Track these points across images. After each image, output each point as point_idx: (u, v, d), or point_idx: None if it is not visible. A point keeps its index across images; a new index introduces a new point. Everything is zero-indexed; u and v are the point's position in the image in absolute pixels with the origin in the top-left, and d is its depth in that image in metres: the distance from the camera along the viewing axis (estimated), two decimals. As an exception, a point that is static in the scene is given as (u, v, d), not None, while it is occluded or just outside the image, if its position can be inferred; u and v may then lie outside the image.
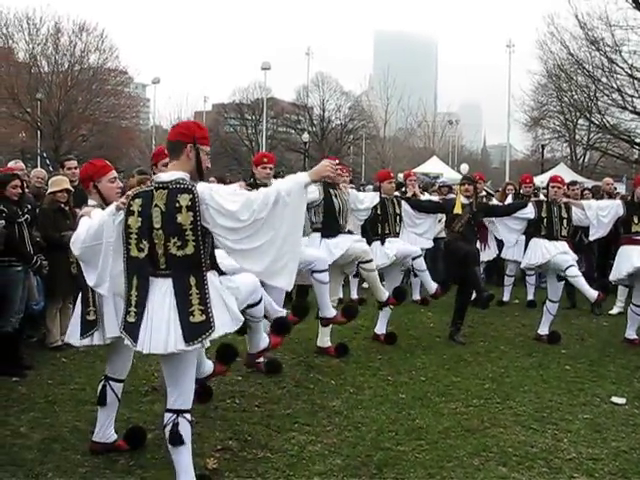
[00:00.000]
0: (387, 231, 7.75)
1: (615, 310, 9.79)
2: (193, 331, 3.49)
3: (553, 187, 8.02)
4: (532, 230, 8.10)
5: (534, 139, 39.61)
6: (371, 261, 7.17)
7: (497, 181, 27.59)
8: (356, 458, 4.49)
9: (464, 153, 62.54)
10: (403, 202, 8.00)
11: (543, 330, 8.05)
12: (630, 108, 26.84)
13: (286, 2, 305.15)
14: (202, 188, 3.52)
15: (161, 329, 3.51)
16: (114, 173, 4.49)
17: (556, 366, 6.93)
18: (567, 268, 7.72)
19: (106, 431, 4.45)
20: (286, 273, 3.62)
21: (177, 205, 3.46)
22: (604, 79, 27.09)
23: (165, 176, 3.62)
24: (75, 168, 7.82)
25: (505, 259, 10.43)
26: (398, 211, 7.88)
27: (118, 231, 3.70)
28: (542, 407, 5.64)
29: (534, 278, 10.52)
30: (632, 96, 26.60)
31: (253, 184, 6.41)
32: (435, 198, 9.57)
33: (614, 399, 5.88)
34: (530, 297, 10.49)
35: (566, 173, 26.01)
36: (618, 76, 26.59)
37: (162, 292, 3.55)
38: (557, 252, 7.76)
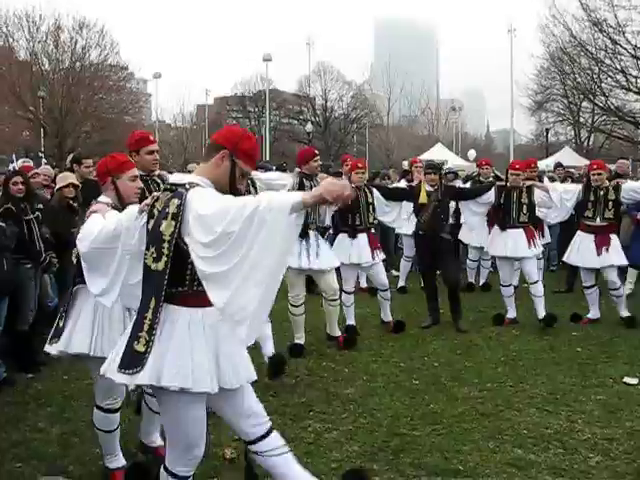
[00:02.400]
0: (358, 222, 7.35)
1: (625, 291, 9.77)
2: (130, 359, 2.96)
3: (512, 174, 7.91)
4: (492, 216, 8.11)
5: (538, 123, 39.45)
6: (337, 300, 7.03)
7: (502, 166, 27.53)
8: (373, 444, 4.53)
9: (468, 139, 62.28)
10: (374, 189, 7.66)
11: (541, 313, 7.96)
12: (634, 89, 26.77)
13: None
14: (192, 193, 2.91)
15: (117, 348, 3.11)
16: (136, 171, 4.18)
17: (567, 348, 6.94)
18: (532, 284, 7.95)
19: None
20: (246, 318, 2.72)
21: (166, 211, 2.95)
22: (607, 60, 27.00)
23: (178, 177, 3.15)
24: (93, 165, 7.93)
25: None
26: (371, 200, 7.45)
27: (141, 235, 3.18)
28: (555, 389, 5.66)
29: (541, 262, 10.49)
30: (636, 77, 26.53)
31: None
32: (402, 185, 9.29)
33: (626, 379, 5.89)
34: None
35: (571, 156, 25.99)
36: (622, 57, 26.52)
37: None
38: (517, 253, 7.84)
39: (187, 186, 2.95)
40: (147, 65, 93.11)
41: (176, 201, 2.91)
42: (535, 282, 7.96)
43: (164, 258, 2.93)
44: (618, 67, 26.85)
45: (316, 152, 7.03)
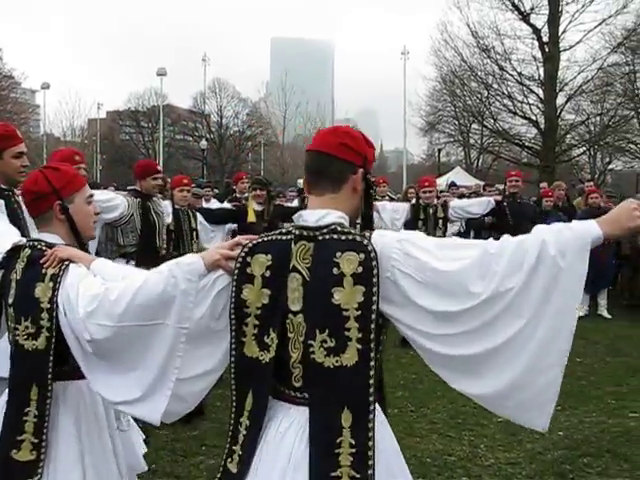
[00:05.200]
0: (182, 251, 6.05)
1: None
2: None
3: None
4: None
5: (430, 143, 40.59)
6: None
7: (395, 186, 28.01)
8: None
9: (362, 158, 63.43)
10: (197, 214, 6.70)
11: None
12: (520, 113, 27.99)
13: (182, 8, 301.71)
14: (384, 239, 1.92)
15: None
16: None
17: (466, 369, 6.90)
18: None
19: None
20: (544, 402, 1.90)
21: (334, 271, 1.88)
22: (495, 85, 28.19)
23: (312, 216, 2.00)
24: None
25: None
26: (194, 225, 6.53)
27: (214, 305, 2.04)
28: (457, 413, 5.56)
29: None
30: (521, 102, 27.78)
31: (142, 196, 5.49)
32: (228, 205, 8.33)
33: (525, 400, 5.88)
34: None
35: (462, 176, 26.75)
36: (508, 83, 27.76)
37: (291, 430, 1.97)
38: None
39: (351, 231, 1.95)
40: (35, 75, 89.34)
41: (354, 256, 1.88)
42: None
43: (354, 345, 1.88)
44: (505, 92, 28.04)
45: (158, 169, 6.03)
